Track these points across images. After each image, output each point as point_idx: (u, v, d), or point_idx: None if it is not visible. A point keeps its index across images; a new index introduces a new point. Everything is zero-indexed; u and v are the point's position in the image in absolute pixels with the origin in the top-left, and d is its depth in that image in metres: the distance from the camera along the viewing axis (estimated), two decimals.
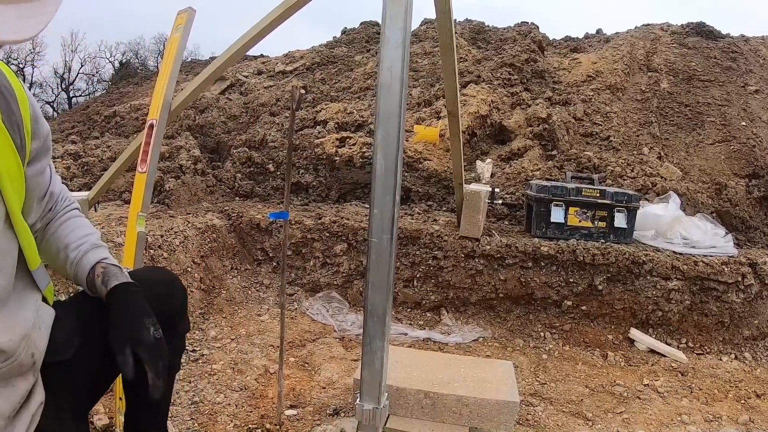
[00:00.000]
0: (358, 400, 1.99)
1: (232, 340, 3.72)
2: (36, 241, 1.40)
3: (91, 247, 1.47)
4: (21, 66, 33.08)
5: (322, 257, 4.52)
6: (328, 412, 2.95)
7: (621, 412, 3.18)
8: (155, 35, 39.54)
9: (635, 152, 6.07)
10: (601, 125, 6.44)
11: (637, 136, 6.43)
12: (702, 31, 8.40)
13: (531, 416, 3.07)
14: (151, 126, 2.61)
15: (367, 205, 5.21)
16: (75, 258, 1.45)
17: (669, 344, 4.04)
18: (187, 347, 3.45)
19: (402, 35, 1.73)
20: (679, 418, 3.14)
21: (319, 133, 6.07)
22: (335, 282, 4.48)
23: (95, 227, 1.63)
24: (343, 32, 9.56)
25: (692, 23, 8.60)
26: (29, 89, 1.15)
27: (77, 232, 1.49)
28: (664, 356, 3.90)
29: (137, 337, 1.30)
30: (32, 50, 33.77)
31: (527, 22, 8.84)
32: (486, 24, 8.81)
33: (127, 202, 4.53)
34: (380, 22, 1.75)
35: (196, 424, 2.77)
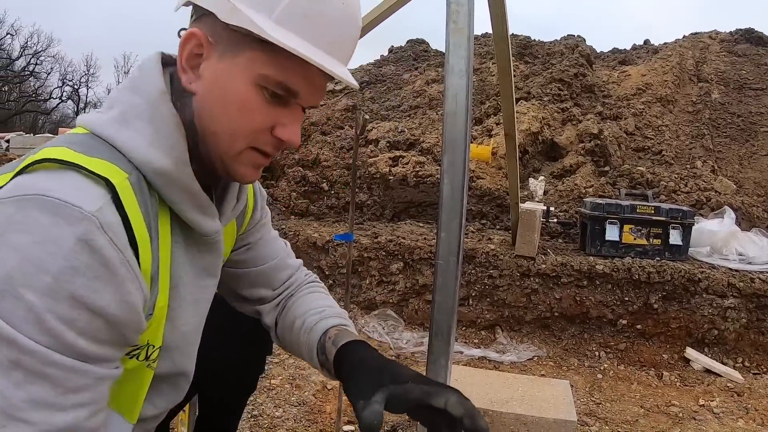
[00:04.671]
0: None
1: (290, 355, 3.82)
2: (273, 317, 1.46)
3: (332, 315, 1.37)
4: (76, 87, 34.23)
5: (378, 275, 4.63)
6: (385, 428, 3.03)
7: None
8: None
9: (688, 166, 6.05)
10: (652, 139, 6.43)
11: (690, 149, 6.40)
12: (751, 37, 8.30)
13: None
14: None
15: (422, 225, 5.33)
16: (310, 324, 1.33)
17: (725, 364, 4.02)
18: None
19: (465, 63, 1.78)
20: None
21: (371, 152, 6.20)
22: (391, 300, 4.58)
23: None
24: (390, 51, 9.68)
25: (741, 30, 8.51)
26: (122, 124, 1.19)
27: (319, 302, 1.43)
28: (720, 376, 3.87)
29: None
30: (87, 72, 34.98)
31: (573, 35, 8.85)
32: (532, 38, 8.83)
33: None
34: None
35: None
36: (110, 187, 0.88)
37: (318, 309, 1.39)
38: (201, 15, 1.00)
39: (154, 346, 1.04)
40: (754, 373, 4.00)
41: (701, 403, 3.56)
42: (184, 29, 1.01)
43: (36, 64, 31.15)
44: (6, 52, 29.50)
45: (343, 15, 1.01)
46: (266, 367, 3.60)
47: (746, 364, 4.07)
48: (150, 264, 0.96)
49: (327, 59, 0.98)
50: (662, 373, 3.95)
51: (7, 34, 28.98)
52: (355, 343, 1.23)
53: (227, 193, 1.20)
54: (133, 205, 0.92)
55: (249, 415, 3.07)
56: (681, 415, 3.41)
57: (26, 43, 30.32)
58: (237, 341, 1.53)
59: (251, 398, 3.23)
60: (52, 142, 0.96)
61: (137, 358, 1.02)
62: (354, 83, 1.05)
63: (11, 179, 0.87)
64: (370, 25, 2.64)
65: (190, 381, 1.26)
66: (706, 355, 4.07)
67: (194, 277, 1.13)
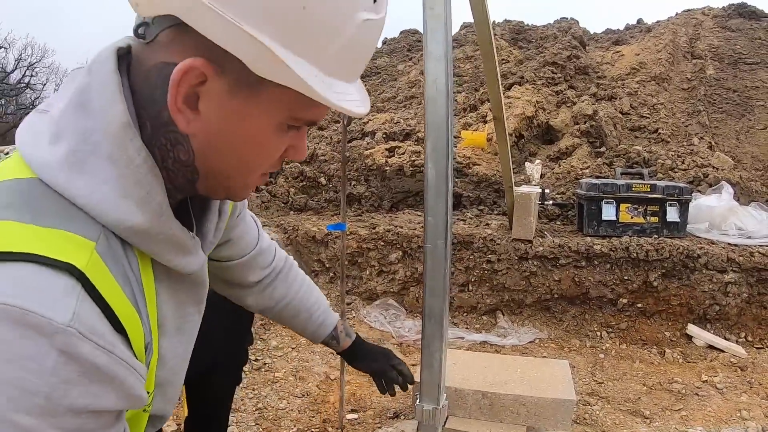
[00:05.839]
0: (417, 401, 2.06)
1: (293, 348, 3.84)
2: (257, 299, 1.54)
3: (329, 309, 1.70)
4: None
5: (378, 266, 4.64)
6: (388, 415, 3.06)
7: (679, 410, 3.20)
8: None
9: (685, 143, 6.03)
10: (648, 118, 6.41)
11: (686, 126, 6.38)
12: (744, 12, 8.27)
13: (588, 415, 3.12)
14: None
15: (420, 213, 5.32)
16: (319, 319, 1.66)
17: (728, 339, 4.00)
18: (250, 357, 3.62)
19: (444, 48, 1.78)
20: (739, 414, 3.14)
21: (368, 144, 6.20)
22: (391, 289, 4.59)
23: None
24: (384, 42, 9.65)
25: (733, 5, 8.47)
26: None
27: (313, 294, 1.67)
28: (723, 351, 3.86)
29: (395, 365, 1.80)
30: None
31: (566, 18, 8.83)
32: (525, 23, 8.81)
33: None
34: (422, 35, 1.81)
35: (260, 429, 2.91)
36: (77, 275, 0.72)
37: (319, 305, 1.66)
38: (177, 24, 0.75)
39: (148, 393, 0.95)
40: (757, 348, 4.00)
41: (704, 379, 3.56)
42: (143, 26, 0.79)
43: (31, 75, 31.16)
44: (0, 65, 29.51)
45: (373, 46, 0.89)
46: (270, 361, 3.64)
47: (749, 338, 4.07)
48: (143, 338, 0.84)
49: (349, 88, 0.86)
50: (664, 351, 3.95)
51: (1, 47, 29.00)
52: (359, 337, 1.78)
53: (208, 210, 1.04)
54: (110, 284, 0.76)
55: (254, 408, 3.09)
56: (684, 391, 3.42)
57: (20, 55, 30.31)
58: (220, 337, 1.53)
59: (255, 392, 3.27)
60: None
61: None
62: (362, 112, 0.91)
63: None
64: None
65: None
66: (708, 331, 4.07)
67: (178, 309, 1.01)
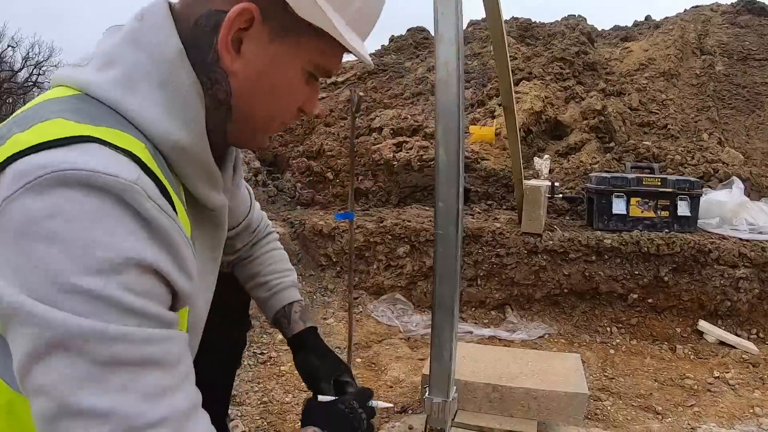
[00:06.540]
0: (427, 393, 2.01)
1: None
2: (236, 261, 1.57)
3: (291, 285, 1.58)
4: None
5: (386, 260, 4.60)
6: (395, 409, 3.02)
7: (691, 405, 3.16)
8: None
9: (694, 139, 5.99)
10: (657, 113, 6.37)
11: (696, 122, 6.34)
12: (753, 8, 8.23)
13: (600, 411, 3.08)
14: None
15: (428, 208, 5.29)
16: (275, 287, 1.56)
17: (739, 335, 3.96)
18: (255, 350, 3.58)
19: (454, 31, 1.77)
20: (752, 411, 3.10)
21: (375, 139, 6.16)
22: (399, 284, 4.55)
23: None
24: (391, 40, 9.59)
25: (742, 0, 8.42)
26: None
27: (280, 265, 1.60)
28: (735, 348, 3.82)
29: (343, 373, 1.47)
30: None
31: (574, 15, 8.79)
32: (533, 20, 8.77)
33: None
34: (432, 21, 1.80)
35: (265, 423, 2.87)
36: (135, 159, 0.75)
37: (280, 273, 1.57)
38: None
39: None
40: None
41: (716, 375, 3.52)
42: None
43: (39, 74, 31.32)
44: (8, 64, 29.62)
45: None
46: (275, 354, 3.60)
47: (761, 335, 4.02)
48: (190, 233, 0.88)
49: (363, 45, 0.99)
50: (675, 347, 3.91)
51: (9, 46, 29.10)
52: (315, 330, 1.53)
53: (225, 161, 1.11)
54: (162, 178, 0.80)
55: (259, 402, 3.06)
56: (696, 387, 3.39)
57: (28, 54, 30.43)
58: (218, 320, 1.50)
59: (261, 385, 3.23)
60: (34, 113, 0.78)
61: None
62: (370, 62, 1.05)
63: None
64: None
65: None
66: (719, 327, 4.02)
67: (204, 252, 1.05)
